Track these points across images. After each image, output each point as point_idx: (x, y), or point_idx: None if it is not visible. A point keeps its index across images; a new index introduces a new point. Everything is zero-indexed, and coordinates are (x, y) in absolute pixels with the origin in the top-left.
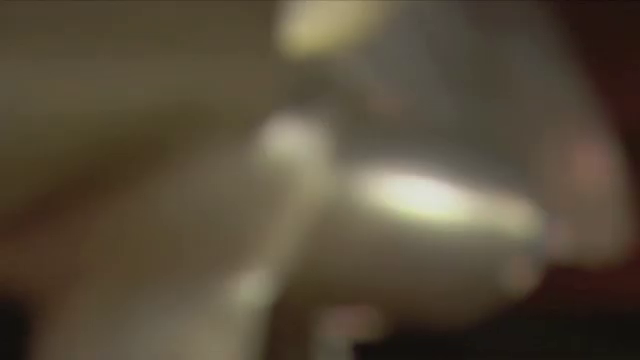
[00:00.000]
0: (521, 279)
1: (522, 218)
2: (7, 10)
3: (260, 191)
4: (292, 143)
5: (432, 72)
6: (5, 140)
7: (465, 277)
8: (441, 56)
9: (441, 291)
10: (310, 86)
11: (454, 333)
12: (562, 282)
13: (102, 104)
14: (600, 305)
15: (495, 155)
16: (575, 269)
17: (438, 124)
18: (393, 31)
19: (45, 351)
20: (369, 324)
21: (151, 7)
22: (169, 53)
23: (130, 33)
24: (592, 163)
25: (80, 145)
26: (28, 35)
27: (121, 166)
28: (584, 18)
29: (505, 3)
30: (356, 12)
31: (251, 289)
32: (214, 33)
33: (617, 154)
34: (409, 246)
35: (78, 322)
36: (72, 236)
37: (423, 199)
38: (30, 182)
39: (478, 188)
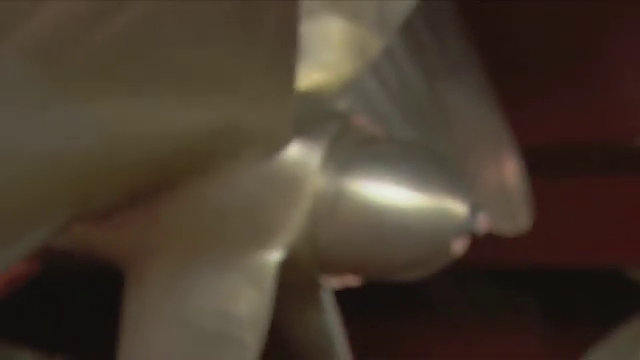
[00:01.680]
0: (461, 247)
1: (462, 206)
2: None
3: (281, 188)
4: (303, 155)
5: (395, 108)
6: (112, 155)
7: (423, 247)
8: (399, 97)
9: (406, 258)
10: (315, 115)
11: (411, 285)
12: (488, 248)
13: (171, 129)
14: (516, 261)
15: (443, 164)
16: (495, 239)
17: (402, 143)
18: (369, 79)
19: (132, 298)
20: (350, 279)
21: (211, 61)
22: (223, 94)
23: (195, 80)
24: (505, 170)
25: (156, 156)
26: (124, 82)
27: (182, 171)
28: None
29: (441, 61)
30: (345, 69)
31: (274, 256)
32: (254, 82)
33: (520, 164)
34: (384, 227)
35: (155, 278)
36: (150, 220)
37: (394, 194)
38: (122, 184)
39: (432, 187)
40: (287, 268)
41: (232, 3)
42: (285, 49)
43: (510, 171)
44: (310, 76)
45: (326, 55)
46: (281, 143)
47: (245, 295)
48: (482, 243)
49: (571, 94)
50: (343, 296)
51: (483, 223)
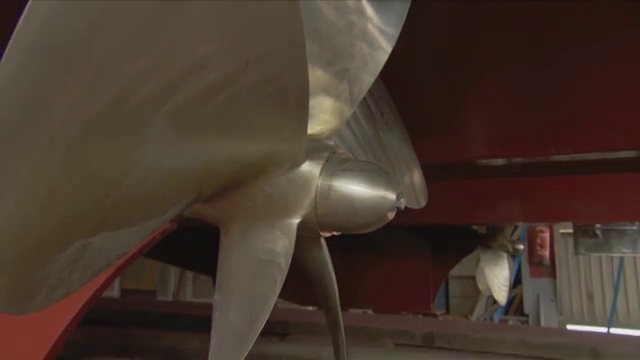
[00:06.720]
0: (392, 216)
1: (393, 195)
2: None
3: (299, 186)
4: (310, 168)
5: (358, 145)
6: (210, 169)
7: (374, 216)
8: (360, 139)
9: (365, 222)
10: (317, 147)
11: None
12: (405, 215)
13: (242, 154)
14: (418, 220)
15: (383, 173)
16: (409, 210)
17: (362, 162)
18: (344, 129)
19: (223, 241)
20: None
21: (265, 120)
22: (270, 136)
23: (256, 129)
24: (414, 177)
25: (233, 169)
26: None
27: (247, 176)
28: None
29: (382, 120)
30: (332, 124)
31: (295, 221)
32: (286, 130)
33: (421, 174)
34: (353, 206)
35: (234, 231)
36: (232, 201)
37: (359, 188)
38: (217, 183)
39: (378, 185)
40: (302, 227)
41: (273, 92)
42: (301, 114)
43: (416, 177)
44: (314, 127)
45: (322, 117)
46: (299, 162)
47: (281, 241)
48: (402, 212)
49: (448, 140)
50: (328, 241)
51: (403, 203)
